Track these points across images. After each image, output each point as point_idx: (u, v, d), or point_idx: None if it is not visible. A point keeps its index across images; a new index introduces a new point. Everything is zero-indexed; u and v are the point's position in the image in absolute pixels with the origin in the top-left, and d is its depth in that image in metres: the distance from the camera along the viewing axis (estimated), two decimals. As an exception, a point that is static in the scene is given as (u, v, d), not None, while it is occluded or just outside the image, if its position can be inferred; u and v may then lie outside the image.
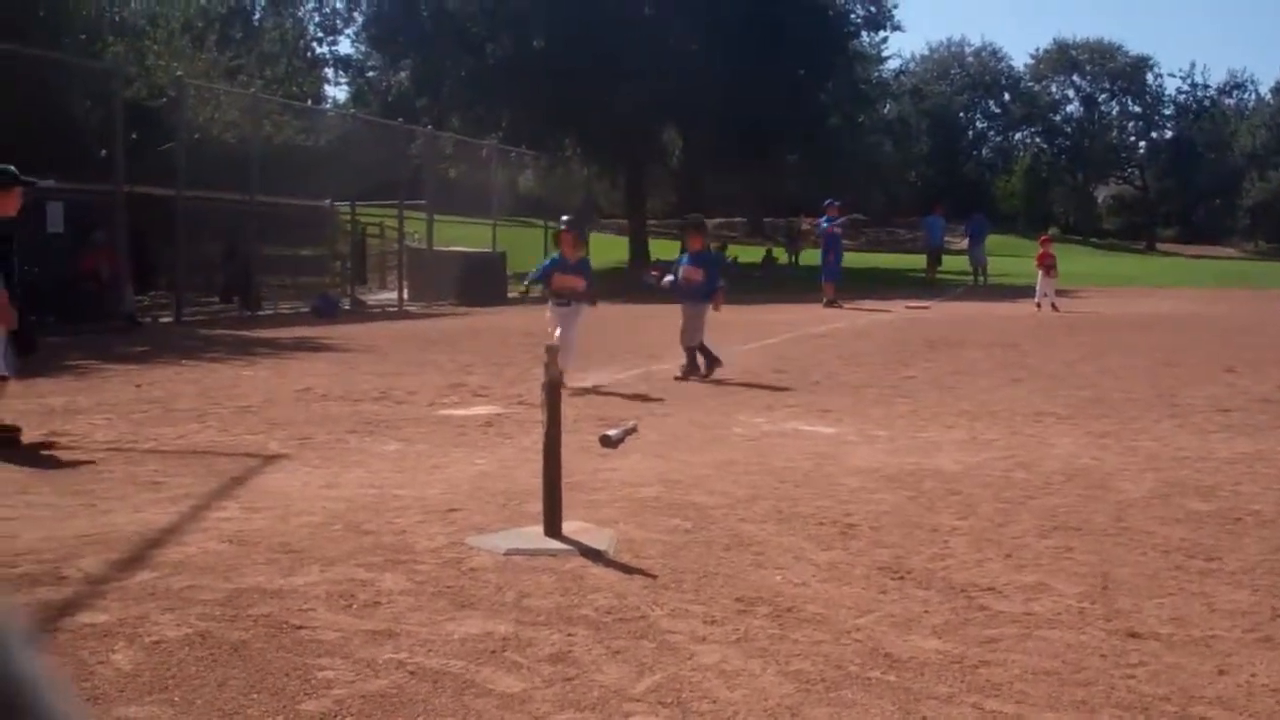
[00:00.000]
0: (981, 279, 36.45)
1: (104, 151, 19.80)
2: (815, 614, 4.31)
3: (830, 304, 25.75)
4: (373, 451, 7.84)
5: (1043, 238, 28.68)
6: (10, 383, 8.10)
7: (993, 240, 38.47)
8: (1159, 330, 19.80)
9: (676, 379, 11.90)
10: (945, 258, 39.50)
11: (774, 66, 37.95)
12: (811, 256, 42.70)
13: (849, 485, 6.61)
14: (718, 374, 11.97)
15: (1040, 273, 26.13)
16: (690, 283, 12.29)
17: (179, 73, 25.49)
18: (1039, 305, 25.43)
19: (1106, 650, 3.95)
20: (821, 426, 9.05)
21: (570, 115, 39.45)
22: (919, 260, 41.67)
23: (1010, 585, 4.70)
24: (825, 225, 27.12)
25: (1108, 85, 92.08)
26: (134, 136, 21.48)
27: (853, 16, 46.76)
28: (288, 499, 6.14)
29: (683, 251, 12.35)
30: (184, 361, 13.40)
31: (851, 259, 33.45)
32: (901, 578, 4.80)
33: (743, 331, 16.86)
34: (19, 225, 8.29)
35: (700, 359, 12.12)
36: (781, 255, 46.50)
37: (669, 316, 22.64)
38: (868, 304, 25.94)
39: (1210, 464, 7.39)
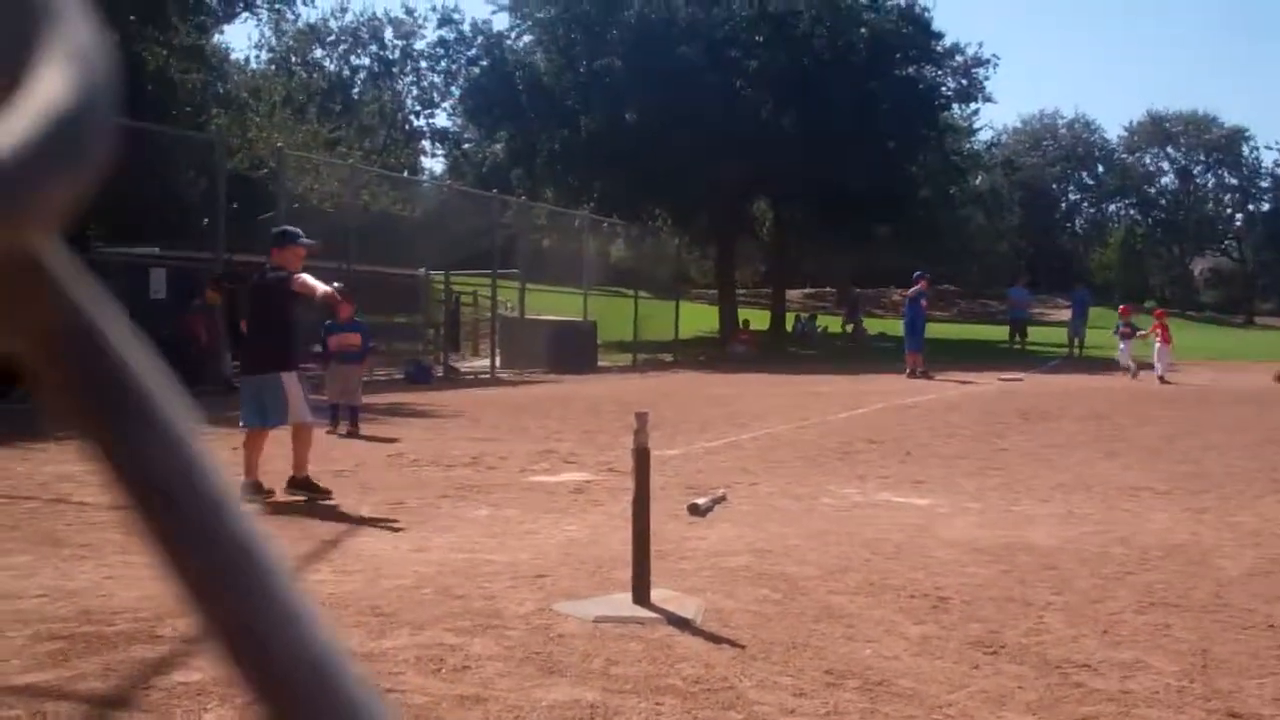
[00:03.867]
0: (1077, 351, 36.05)
1: (206, 220, 20.23)
2: (907, 688, 4.25)
3: (914, 374, 25.53)
4: (464, 516, 7.89)
5: (1157, 310, 28.84)
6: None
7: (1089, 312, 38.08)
8: (1258, 405, 19.41)
9: (341, 435, 12.69)
10: (1034, 329, 39.20)
11: (865, 139, 37.99)
12: (877, 326, 42.64)
13: (941, 558, 6.54)
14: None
15: (1159, 344, 26.23)
16: (352, 347, 13.17)
17: (280, 144, 26.02)
18: (1161, 378, 25.46)
19: (1207, 730, 3.86)
20: (914, 498, 8.96)
21: (662, 187, 39.71)
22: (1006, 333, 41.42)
23: (1106, 662, 4.61)
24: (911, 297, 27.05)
25: (1203, 157, 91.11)
26: (235, 205, 21.91)
27: (944, 89, 46.70)
28: (379, 562, 6.19)
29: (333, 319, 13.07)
30: (281, 426, 13.58)
31: (942, 330, 33.25)
32: (995, 653, 4.72)
33: (835, 401, 16.80)
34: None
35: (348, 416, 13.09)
36: (835, 325, 46.69)
37: (756, 385, 22.66)
38: (958, 375, 25.70)
39: (1314, 542, 7.21)
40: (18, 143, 0.40)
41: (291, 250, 8.92)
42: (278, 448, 8.86)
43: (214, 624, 0.46)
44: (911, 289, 27.00)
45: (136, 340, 0.47)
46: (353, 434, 12.59)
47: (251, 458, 8.61)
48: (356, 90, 65.67)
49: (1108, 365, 30.25)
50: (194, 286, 19.93)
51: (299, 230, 9.17)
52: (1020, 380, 25.40)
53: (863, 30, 39.55)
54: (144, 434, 0.45)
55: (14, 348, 0.45)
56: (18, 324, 0.45)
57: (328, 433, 12.56)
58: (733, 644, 4.75)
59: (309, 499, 8.49)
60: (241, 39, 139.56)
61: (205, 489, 0.46)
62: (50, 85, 0.42)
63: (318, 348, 13.23)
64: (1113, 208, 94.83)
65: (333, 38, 67.99)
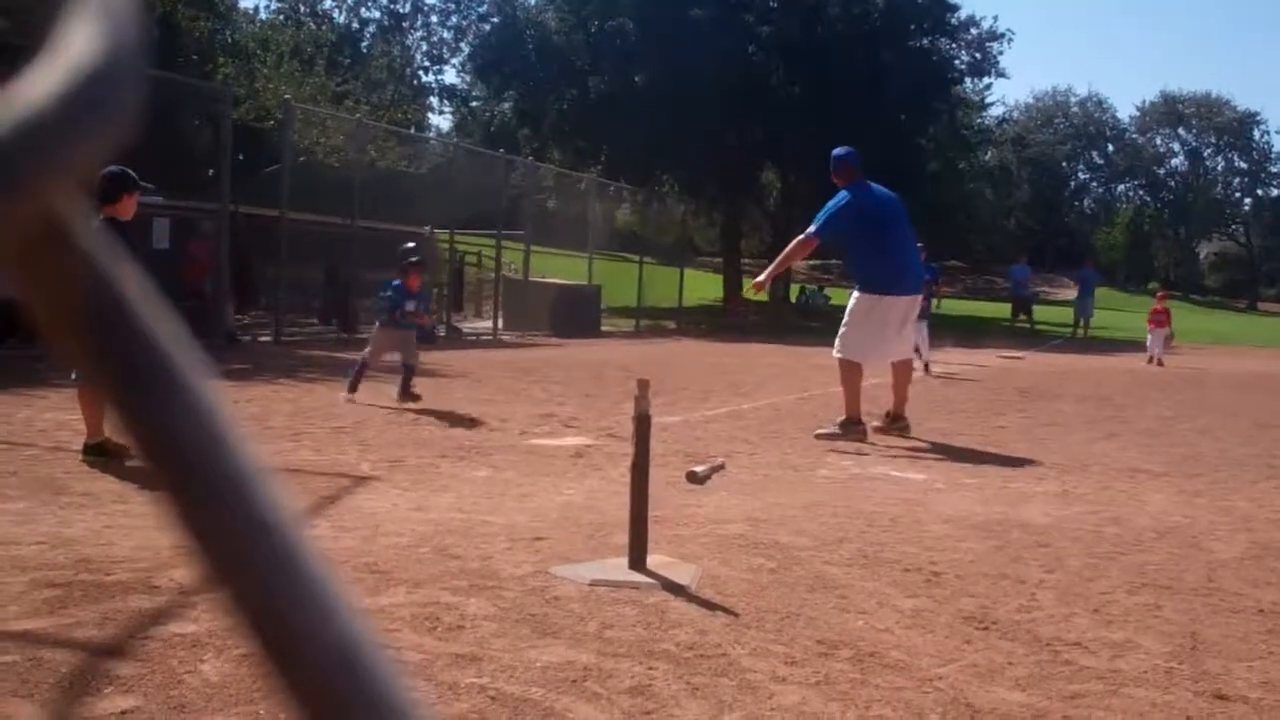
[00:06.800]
0: (1081, 331, 36.05)
1: (211, 171, 20.18)
2: (897, 660, 4.28)
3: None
4: (463, 476, 7.91)
5: (1160, 293, 28.74)
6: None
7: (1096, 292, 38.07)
8: (1257, 390, 19.44)
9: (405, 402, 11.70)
10: (1040, 308, 39.13)
11: (876, 111, 37.88)
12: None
13: (936, 532, 6.56)
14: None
15: (1155, 327, 26.22)
16: (414, 317, 12.25)
17: (287, 96, 26.01)
18: (1152, 359, 25.50)
19: (1193, 711, 3.89)
20: (911, 473, 8.99)
21: (670, 152, 39.61)
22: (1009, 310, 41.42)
23: (1097, 641, 4.64)
24: None
25: (1214, 140, 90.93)
26: (241, 157, 21.90)
27: (957, 63, 46.55)
28: (377, 520, 6.22)
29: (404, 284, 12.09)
30: (281, 380, 13.60)
31: (946, 306, 33.17)
32: (986, 628, 4.75)
33: (837, 373, 16.77)
34: (131, 232, 8.45)
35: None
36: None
37: (759, 355, 22.68)
38: (960, 353, 25.70)
39: (1307, 528, 7.24)
40: (45, 102, 0.41)
41: (133, 197, 8.05)
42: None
43: (237, 603, 0.46)
44: None
45: (163, 308, 0.47)
46: (410, 397, 11.74)
47: (95, 413, 7.80)
48: (365, 44, 65.45)
49: (1109, 347, 30.29)
50: (195, 232, 19.93)
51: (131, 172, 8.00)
52: (1021, 359, 25.44)
53: (878, -1, 39.40)
54: (169, 405, 0.46)
55: (39, 314, 0.45)
56: (43, 290, 0.45)
57: (346, 400, 11.83)
58: (727, 611, 4.78)
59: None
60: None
61: (232, 463, 0.46)
62: (79, 43, 0.42)
63: (384, 298, 12.38)
64: (1121, 188, 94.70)
65: (343, -11, 67.66)
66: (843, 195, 11.07)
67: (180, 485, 0.46)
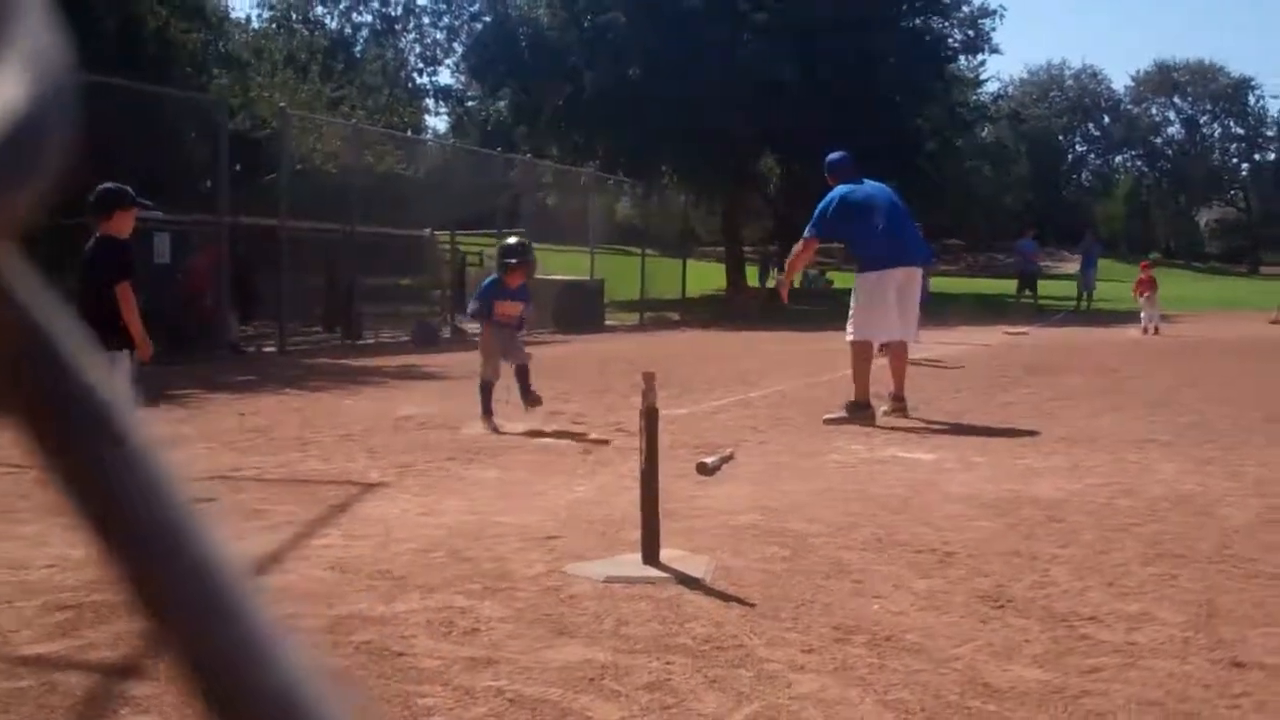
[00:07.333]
0: (1085, 304, 35.98)
1: (209, 182, 20.16)
2: (914, 643, 4.28)
3: None
4: (472, 478, 7.91)
5: (1143, 264, 28.71)
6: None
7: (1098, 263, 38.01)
8: (1263, 355, 19.42)
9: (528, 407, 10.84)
10: (1043, 282, 39.05)
11: (870, 93, 37.79)
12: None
13: (947, 512, 6.56)
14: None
15: (1143, 298, 26.36)
16: (511, 318, 11.11)
17: (282, 104, 25.96)
18: (1147, 330, 25.54)
19: (1210, 680, 3.89)
20: (920, 453, 8.99)
21: (667, 143, 39.53)
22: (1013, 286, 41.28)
23: (1113, 614, 4.64)
24: None
25: (1209, 107, 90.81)
26: (238, 167, 21.87)
27: (950, 41, 46.45)
28: (388, 526, 6.22)
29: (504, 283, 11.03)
30: (286, 390, 13.60)
31: (948, 284, 33.10)
32: (1001, 606, 4.75)
33: (843, 357, 16.78)
34: (131, 248, 8.40)
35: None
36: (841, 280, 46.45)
37: (765, 343, 22.66)
38: (963, 330, 25.65)
39: (1320, 492, 7.23)
40: None
41: (128, 213, 7.88)
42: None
43: (174, 651, 0.45)
44: None
45: (94, 351, 0.46)
46: (533, 400, 10.80)
47: None
48: (359, 48, 65.34)
49: (1113, 318, 30.25)
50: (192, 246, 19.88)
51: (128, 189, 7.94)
52: (1025, 334, 25.42)
53: (870, -21, 39.31)
54: (100, 452, 0.44)
55: None
56: None
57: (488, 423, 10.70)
58: (742, 602, 4.78)
59: None
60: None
61: (164, 507, 0.45)
62: (5, 90, 0.41)
63: (472, 306, 11.42)
64: (1119, 159, 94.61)
65: (334, -6, 67.55)
66: (831, 192, 11.42)
67: (107, 532, 0.45)
